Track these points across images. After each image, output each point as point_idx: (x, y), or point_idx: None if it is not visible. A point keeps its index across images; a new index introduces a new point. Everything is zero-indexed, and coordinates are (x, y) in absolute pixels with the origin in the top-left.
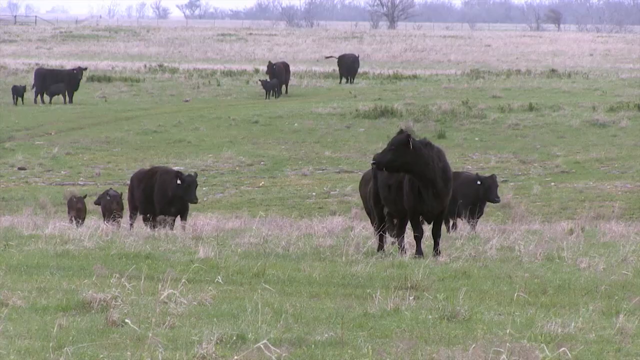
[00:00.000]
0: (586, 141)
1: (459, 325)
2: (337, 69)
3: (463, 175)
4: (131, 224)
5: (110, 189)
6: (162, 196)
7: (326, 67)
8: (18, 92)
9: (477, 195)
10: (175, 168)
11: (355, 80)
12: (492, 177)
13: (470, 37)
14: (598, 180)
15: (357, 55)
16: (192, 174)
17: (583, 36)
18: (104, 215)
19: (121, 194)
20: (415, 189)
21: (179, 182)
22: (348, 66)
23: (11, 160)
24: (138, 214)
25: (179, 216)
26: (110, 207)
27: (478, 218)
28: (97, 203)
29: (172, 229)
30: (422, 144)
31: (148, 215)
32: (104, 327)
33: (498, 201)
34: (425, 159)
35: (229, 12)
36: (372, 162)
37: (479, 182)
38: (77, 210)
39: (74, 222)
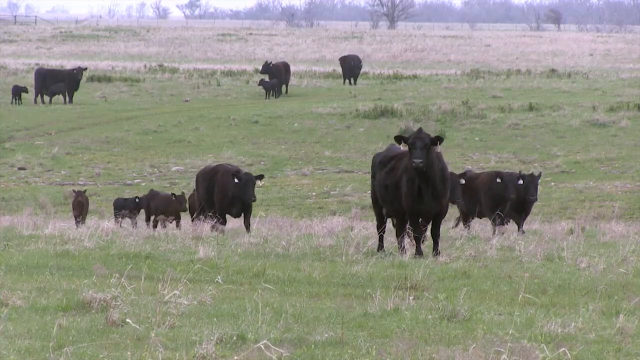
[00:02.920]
0: (586, 141)
1: (459, 325)
2: (337, 69)
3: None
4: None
5: (152, 189)
6: (222, 196)
7: (326, 67)
8: (17, 92)
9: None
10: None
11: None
12: (517, 175)
13: (470, 37)
14: (598, 180)
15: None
16: (258, 176)
17: (583, 36)
18: (149, 216)
19: (182, 193)
20: (414, 190)
21: (236, 180)
22: (350, 67)
23: (11, 160)
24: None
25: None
26: (172, 208)
27: (521, 218)
28: (136, 205)
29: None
30: None
31: (209, 213)
32: (104, 327)
33: (510, 197)
34: (431, 160)
35: (229, 12)
36: (418, 162)
37: (498, 180)
38: (78, 203)
39: (76, 218)
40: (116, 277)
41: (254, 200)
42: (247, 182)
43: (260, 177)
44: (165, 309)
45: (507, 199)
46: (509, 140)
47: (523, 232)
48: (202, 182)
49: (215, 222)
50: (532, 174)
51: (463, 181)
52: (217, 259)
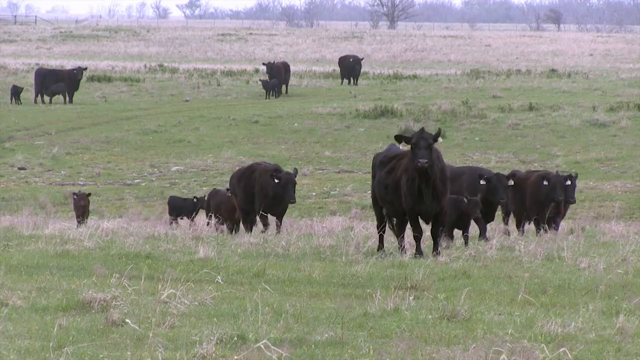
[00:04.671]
0: (586, 141)
1: (459, 325)
2: (337, 69)
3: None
4: (238, 225)
5: (214, 188)
6: (262, 196)
7: (326, 67)
8: (16, 92)
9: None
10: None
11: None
12: (563, 177)
13: (470, 37)
14: (598, 180)
15: (360, 57)
16: (293, 171)
17: (583, 36)
18: (209, 215)
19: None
20: (414, 190)
21: (276, 180)
22: (349, 68)
23: (11, 160)
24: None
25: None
26: (229, 206)
27: (556, 219)
28: (194, 206)
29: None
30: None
31: (249, 214)
32: (104, 327)
33: (558, 199)
34: (432, 160)
35: (229, 12)
36: (424, 162)
37: (545, 182)
38: (81, 207)
39: (78, 220)
40: (116, 277)
41: (294, 202)
42: (288, 181)
43: (294, 172)
44: (165, 309)
45: (555, 200)
46: (509, 140)
47: (548, 230)
48: (238, 183)
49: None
50: (570, 175)
51: (512, 182)
52: (217, 259)
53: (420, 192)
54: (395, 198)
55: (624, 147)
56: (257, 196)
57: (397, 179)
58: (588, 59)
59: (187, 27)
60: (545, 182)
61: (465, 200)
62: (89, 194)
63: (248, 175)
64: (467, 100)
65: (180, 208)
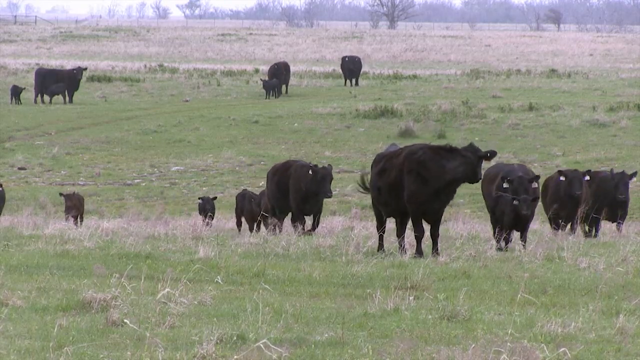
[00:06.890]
0: (586, 141)
1: (459, 325)
2: (337, 69)
3: (600, 175)
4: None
5: (245, 189)
6: (296, 191)
7: (326, 67)
8: (16, 92)
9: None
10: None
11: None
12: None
13: (470, 37)
14: None
15: (359, 57)
16: (327, 166)
17: (583, 36)
18: (239, 217)
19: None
20: (428, 190)
21: (310, 173)
22: (346, 68)
23: (11, 160)
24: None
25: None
26: (255, 209)
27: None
28: (240, 209)
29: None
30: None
31: (281, 211)
32: (104, 327)
33: (576, 194)
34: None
35: (229, 12)
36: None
37: (587, 178)
38: (75, 208)
39: (72, 220)
40: (116, 277)
41: (330, 196)
42: (325, 176)
43: (329, 167)
44: (165, 309)
45: (573, 196)
46: (509, 140)
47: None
48: (272, 178)
49: (296, 224)
50: (622, 172)
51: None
52: (217, 259)
53: (437, 193)
54: (392, 199)
55: (624, 147)
56: (291, 191)
57: (392, 180)
58: (588, 59)
59: (187, 27)
60: (562, 178)
61: (516, 201)
62: (74, 193)
63: (283, 170)
64: (467, 100)
65: (211, 208)
